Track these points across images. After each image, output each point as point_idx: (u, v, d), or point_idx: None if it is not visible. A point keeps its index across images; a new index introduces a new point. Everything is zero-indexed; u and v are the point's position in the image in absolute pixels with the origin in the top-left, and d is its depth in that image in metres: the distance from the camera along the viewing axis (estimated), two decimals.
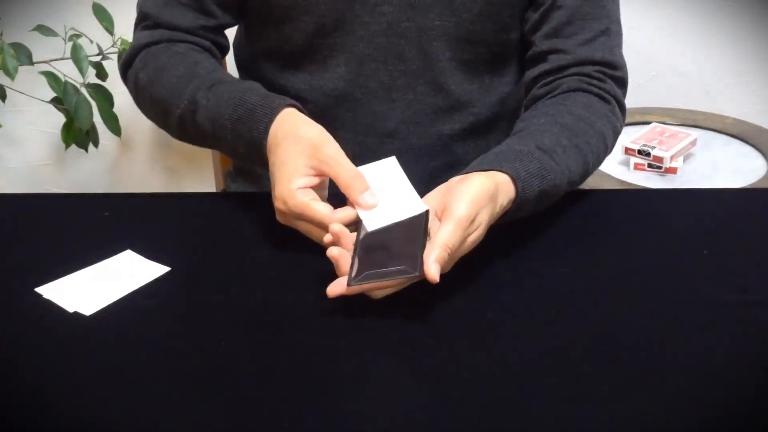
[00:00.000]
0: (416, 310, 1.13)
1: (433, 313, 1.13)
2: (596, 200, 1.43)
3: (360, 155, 1.54)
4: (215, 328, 1.11)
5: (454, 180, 1.22)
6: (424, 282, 1.12)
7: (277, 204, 1.21)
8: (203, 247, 1.27)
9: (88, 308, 1.14)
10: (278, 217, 1.23)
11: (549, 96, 1.46)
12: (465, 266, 1.20)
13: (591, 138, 1.37)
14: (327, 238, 1.15)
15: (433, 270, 1.09)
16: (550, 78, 1.47)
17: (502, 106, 1.58)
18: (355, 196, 1.18)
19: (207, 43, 1.50)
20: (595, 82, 1.45)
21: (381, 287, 1.13)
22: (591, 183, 2.02)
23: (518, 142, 1.30)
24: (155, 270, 1.22)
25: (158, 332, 1.10)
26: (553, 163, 1.28)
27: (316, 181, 1.21)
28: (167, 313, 1.14)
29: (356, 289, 1.11)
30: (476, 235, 1.17)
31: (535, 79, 1.49)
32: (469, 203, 1.15)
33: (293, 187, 1.19)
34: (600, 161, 1.41)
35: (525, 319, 1.12)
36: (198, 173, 2.81)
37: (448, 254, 1.11)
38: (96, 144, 2.53)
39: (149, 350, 1.07)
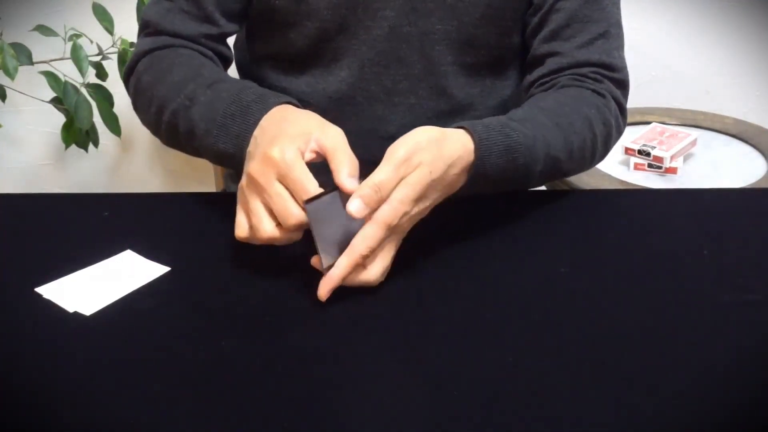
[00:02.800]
0: (416, 310, 1.13)
1: (432, 313, 1.13)
2: (596, 200, 1.43)
3: (361, 158, 1.54)
4: (215, 328, 1.11)
5: None
6: (423, 281, 1.14)
7: (271, 152, 1.15)
8: (203, 247, 1.27)
9: (88, 308, 1.14)
10: (254, 175, 1.16)
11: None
12: (464, 266, 1.21)
13: (574, 121, 1.36)
14: (294, 217, 1.13)
15: (354, 205, 1.11)
16: (547, 79, 1.47)
17: (503, 109, 1.58)
18: (341, 177, 1.15)
19: (209, 53, 1.49)
20: (589, 81, 1.45)
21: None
22: (591, 183, 2.02)
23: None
24: (155, 270, 1.22)
25: (158, 332, 1.10)
26: (523, 128, 1.28)
27: (312, 156, 1.18)
28: (167, 313, 1.14)
29: (338, 276, 1.13)
30: (418, 175, 1.15)
31: (533, 82, 1.49)
32: (403, 144, 1.16)
33: (295, 144, 1.15)
34: (589, 149, 1.39)
35: (525, 319, 1.12)
36: (198, 173, 2.81)
37: (376, 192, 1.13)
38: (96, 144, 2.54)
39: (149, 350, 1.07)
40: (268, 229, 1.15)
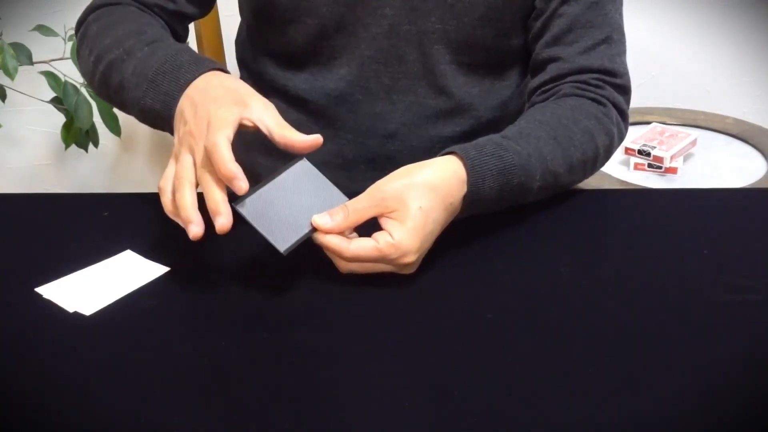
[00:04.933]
0: (416, 311, 1.13)
1: (432, 313, 1.13)
2: (596, 200, 1.43)
3: (360, 156, 1.55)
4: (216, 328, 1.11)
5: None
6: (422, 281, 1.15)
7: (198, 120, 1.18)
8: (204, 247, 1.26)
9: (88, 308, 1.14)
10: (183, 141, 1.18)
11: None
12: (464, 266, 1.21)
13: (574, 134, 1.36)
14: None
15: (320, 216, 1.16)
16: (549, 86, 1.47)
17: (503, 109, 1.58)
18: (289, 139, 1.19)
19: (161, 22, 1.50)
20: (591, 88, 1.44)
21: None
22: (591, 183, 2.02)
23: (484, 137, 1.31)
24: (155, 270, 1.22)
25: (158, 332, 1.10)
26: (517, 146, 1.28)
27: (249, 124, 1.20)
28: (167, 313, 1.14)
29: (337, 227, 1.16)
30: (418, 215, 1.16)
31: (535, 89, 1.49)
32: (387, 178, 1.19)
33: (224, 133, 1.15)
34: (590, 160, 1.39)
35: (525, 319, 1.12)
36: None
37: (344, 210, 1.16)
38: (96, 144, 2.53)
39: (149, 350, 1.07)
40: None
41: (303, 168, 1.20)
